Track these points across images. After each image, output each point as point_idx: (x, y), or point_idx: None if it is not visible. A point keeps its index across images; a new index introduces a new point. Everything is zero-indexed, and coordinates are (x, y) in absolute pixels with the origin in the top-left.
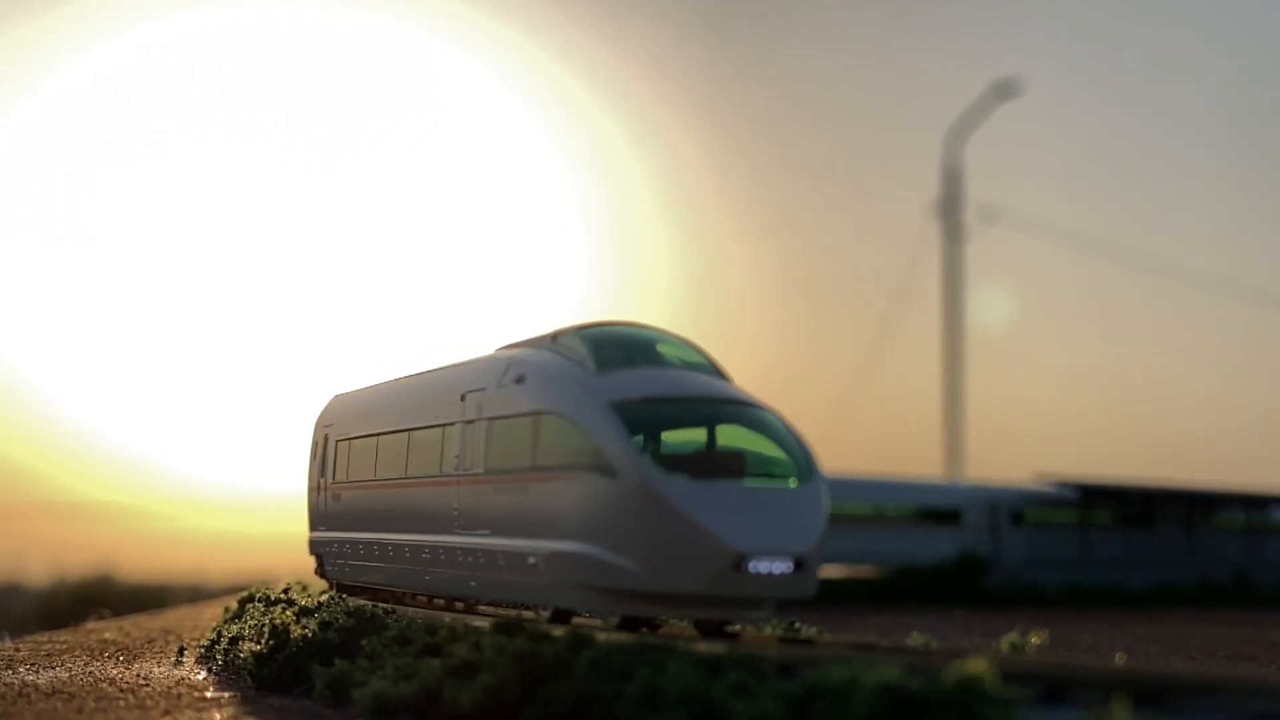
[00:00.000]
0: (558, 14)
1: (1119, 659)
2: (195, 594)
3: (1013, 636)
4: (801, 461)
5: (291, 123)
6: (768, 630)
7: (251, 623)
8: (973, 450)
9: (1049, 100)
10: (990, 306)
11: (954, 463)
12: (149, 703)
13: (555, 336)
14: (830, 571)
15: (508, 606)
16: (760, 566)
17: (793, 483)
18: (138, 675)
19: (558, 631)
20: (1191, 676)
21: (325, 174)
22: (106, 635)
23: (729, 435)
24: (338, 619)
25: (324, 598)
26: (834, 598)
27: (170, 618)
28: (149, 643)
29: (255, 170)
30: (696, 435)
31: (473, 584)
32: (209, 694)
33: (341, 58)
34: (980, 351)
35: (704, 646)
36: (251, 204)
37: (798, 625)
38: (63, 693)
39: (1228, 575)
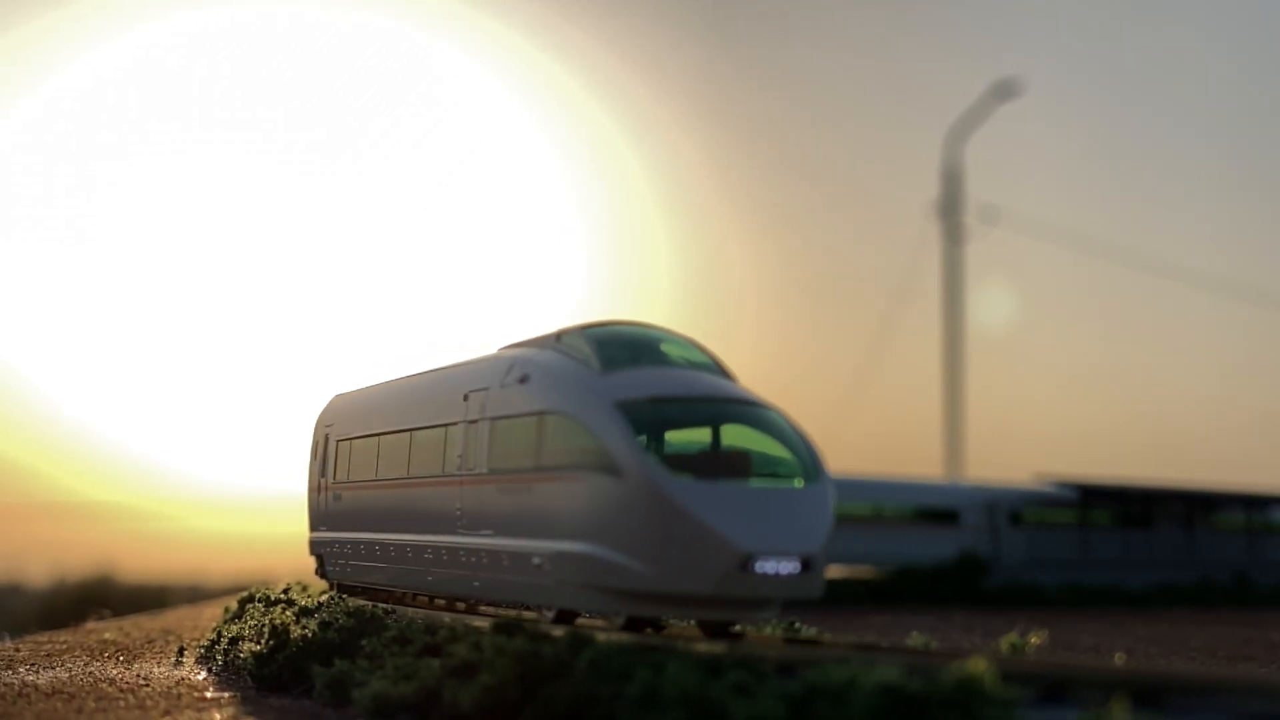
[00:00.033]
0: (558, 14)
1: (1118, 659)
2: (195, 594)
3: (1012, 637)
4: (808, 461)
5: (291, 123)
6: (767, 631)
7: (251, 623)
8: (973, 450)
9: (1049, 100)
10: (990, 307)
11: (954, 463)
12: (149, 703)
13: (559, 336)
14: (830, 572)
15: (511, 607)
16: (767, 567)
17: (799, 483)
18: (138, 675)
19: (557, 632)
20: (1191, 676)
21: (325, 174)
22: (106, 635)
23: (735, 435)
24: (338, 619)
25: (324, 598)
26: (834, 598)
27: (170, 618)
28: (149, 643)
29: (255, 170)
30: (702, 435)
31: (476, 584)
32: (209, 694)
33: (341, 58)
34: (980, 351)
35: (703, 647)
36: (251, 204)
37: (797, 625)
38: (63, 693)
39: (1228, 575)
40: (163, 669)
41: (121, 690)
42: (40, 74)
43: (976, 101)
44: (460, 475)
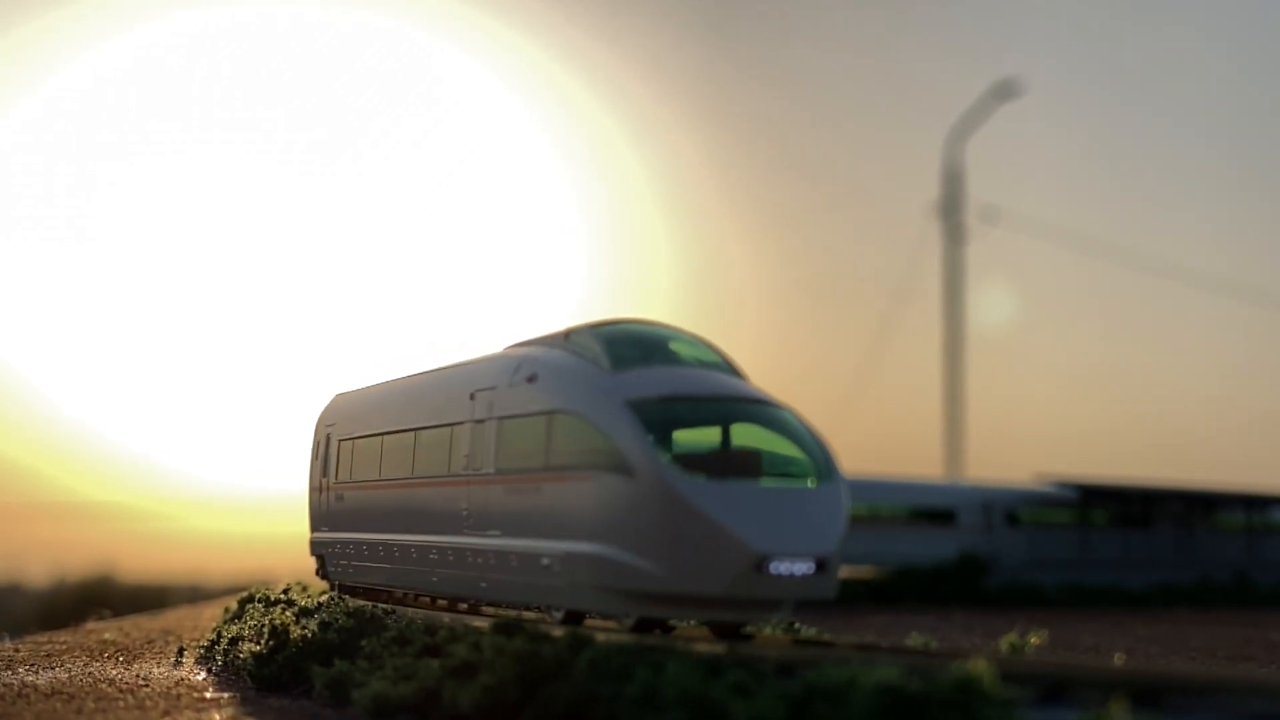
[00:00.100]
0: (558, 14)
1: (1118, 659)
2: (195, 594)
3: (1012, 637)
4: (821, 461)
5: (291, 123)
6: (767, 631)
7: (251, 623)
8: (973, 450)
9: (1049, 100)
10: (990, 307)
11: (954, 463)
12: (148, 703)
13: (568, 335)
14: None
15: (519, 608)
16: (782, 568)
17: (812, 483)
18: (137, 676)
19: (557, 632)
20: (1191, 676)
21: (325, 174)
22: (106, 636)
23: (747, 435)
24: (337, 619)
25: (324, 598)
26: (834, 598)
27: (170, 618)
28: (149, 643)
29: (255, 170)
30: (714, 435)
31: (483, 585)
32: (208, 694)
33: (341, 58)
34: (980, 351)
35: (703, 647)
36: (252, 204)
37: (797, 626)
38: (62, 693)
39: (1228, 575)
40: (162, 669)
41: (121, 691)
42: (40, 74)
43: (976, 101)
44: (467, 475)
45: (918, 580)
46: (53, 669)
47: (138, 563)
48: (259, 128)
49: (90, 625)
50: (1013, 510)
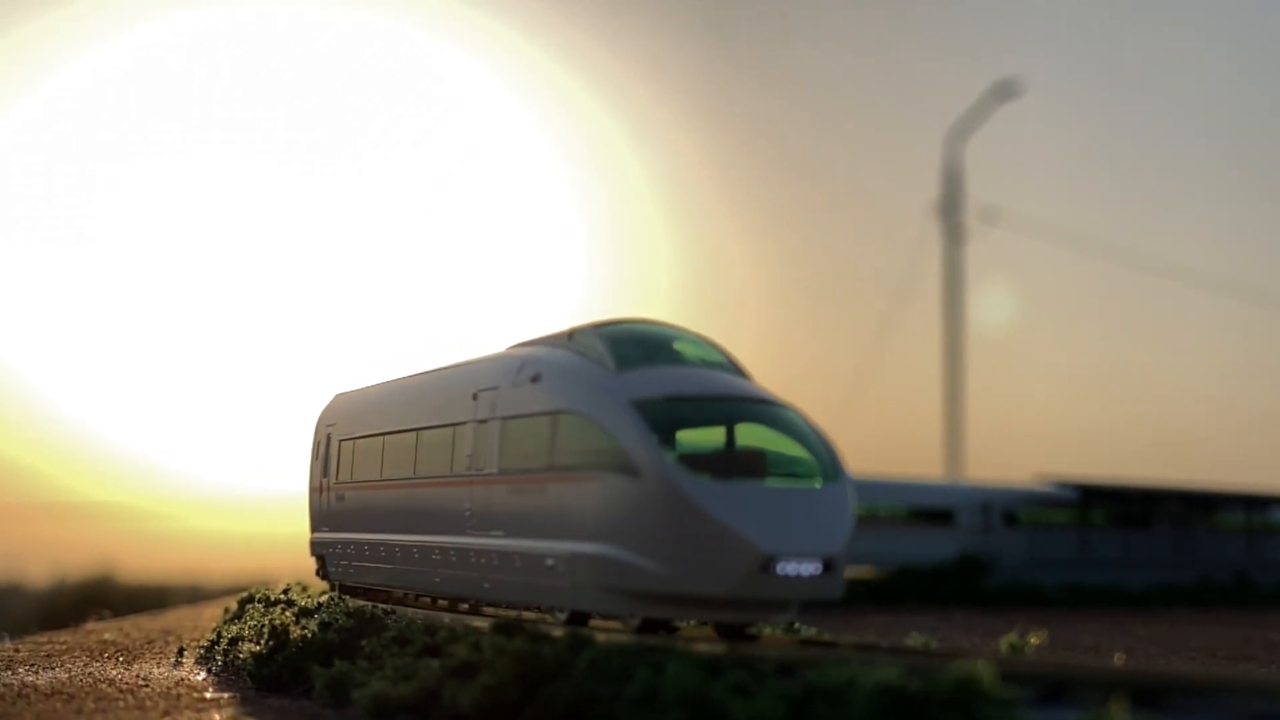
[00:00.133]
0: (558, 14)
1: (1118, 659)
2: (195, 594)
3: (1012, 637)
4: (827, 461)
5: (291, 123)
6: (768, 631)
7: (251, 623)
8: (973, 450)
9: (1049, 100)
10: (990, 307)
11: (954, 463)
12: (148, 703)
13: (571, 334)
14: None
15: (523, 609)
16: (789, 568)
17: (818, 482)
18: (137, 676)
19: (557, 632)
20: (1191, 676)
21: (325, 174)
22: (106, 636)
23: (753, 435)
24: (337, 620)
25: (324, 598)
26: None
27: (170, 618)
28: (149, 643)
29: (255, 170)
30: (719, 435)
31: (486, 586)
32: (208, 695)
33: (341, 58)
34: (980, 351)
35: (703, 647)
36: (252, 204)
37: (796, 626)
38: (62, 693)
39: (1228, 575)
40: (162, 669)
41: (121, 691)
42: (40, 74)
43: (976, 101)
44: (470, 475)
45: (918, 580)
46: (53, 669)
47: (138, 563)
48: (259, 128)
49: (90, 625)
50: (1012, 510)
